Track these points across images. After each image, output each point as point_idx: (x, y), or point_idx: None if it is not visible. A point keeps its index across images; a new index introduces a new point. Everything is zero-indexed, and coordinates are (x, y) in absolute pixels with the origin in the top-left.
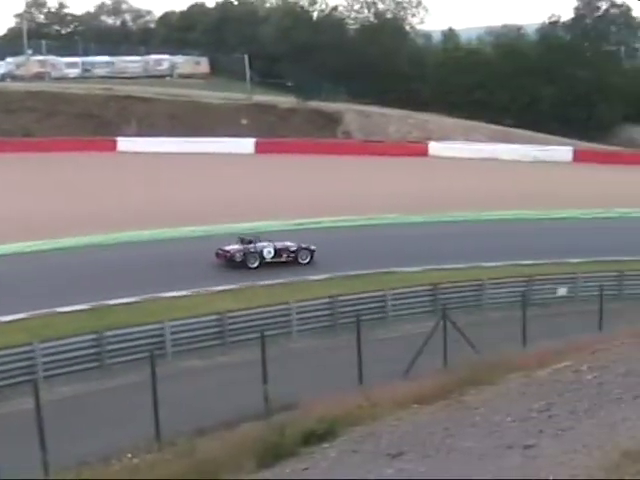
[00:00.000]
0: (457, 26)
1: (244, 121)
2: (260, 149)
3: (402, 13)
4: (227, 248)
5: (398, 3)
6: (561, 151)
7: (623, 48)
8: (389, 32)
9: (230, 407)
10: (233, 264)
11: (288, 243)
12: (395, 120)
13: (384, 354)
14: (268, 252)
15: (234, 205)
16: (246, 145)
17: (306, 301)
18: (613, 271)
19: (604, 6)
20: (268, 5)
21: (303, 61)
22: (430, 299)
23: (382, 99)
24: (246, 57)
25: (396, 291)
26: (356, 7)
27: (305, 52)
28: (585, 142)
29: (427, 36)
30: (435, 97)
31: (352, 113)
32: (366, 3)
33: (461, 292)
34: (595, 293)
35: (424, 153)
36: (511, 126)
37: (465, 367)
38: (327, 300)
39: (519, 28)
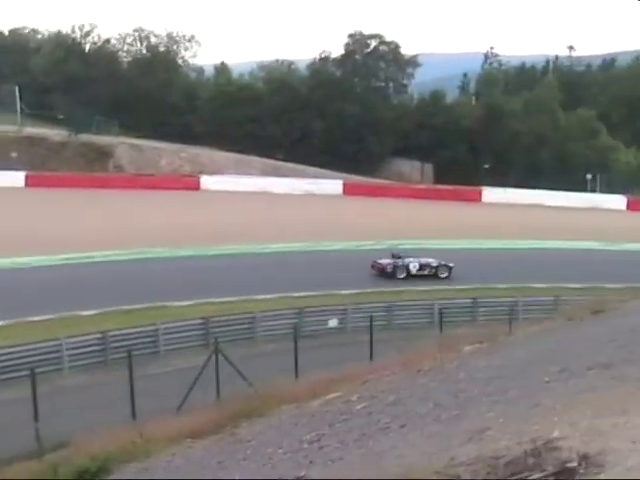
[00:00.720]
0: (229, 60)
1: (14, 154)
2: (31, 182)
3: (175, 47)
4: (380, 261)
5: (171, 37)
6: (331, 184)
7: (392, 84)
8: (162, 65)
9: (1, 446)
10: (385, 275)
11: (430, 260)
12: (167, 154)
13: (157, 389)
14: (414, 266)
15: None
16: (16, 178)
17: (77, 337)
18: (382, 301)
19: (373, 43)
20: (40, 36)
21: (75, 93)
22: (202, 333)
23: (155, 132)
24: (17, 88)
25: (168, 325)
26: (129, 40)
27: (77, 84)
28: (355, 175)
29: (200, 70)
30: (208, 131)
31: (124, 146)
32: (139, 36)
33: (233, 325)
34: (365, 324)
35: (196, 187)
36: (283, 160)
37: (238, 400)
38: (99, 335)
39: (290, 63)
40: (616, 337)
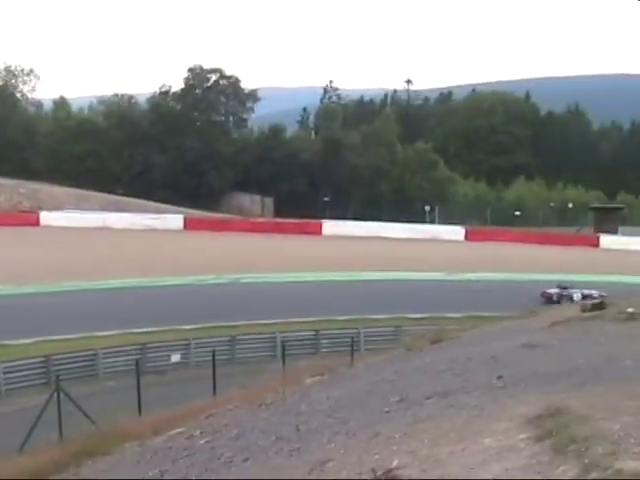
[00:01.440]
0: (69, 94)
1: None
2: None
3: (13, 80)
4: (549, 291)
5: (9, 70)
6: (172, 219)
7: (232, 118)
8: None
9: None
10: (552, 302)
11: (593, 291)
12: (5, 189)
13: None
14: (577, 297)
15: None
16: None
17: None
18: (225, 336)
19: (214, 77)
20: None
21: None
22: (43, 371)
23: None
24: None
25: (8, 364)
26: None
27: None
28: (196, 210)
29: (38, 104)
30: (47, 166)
31: None
32: None
33: (75, 362)
34: (208, 358)
35: (36, 223)
36: (123, 195)
37: (81, 439)
38: None
39: (130, 97)
40: (453, 366)
